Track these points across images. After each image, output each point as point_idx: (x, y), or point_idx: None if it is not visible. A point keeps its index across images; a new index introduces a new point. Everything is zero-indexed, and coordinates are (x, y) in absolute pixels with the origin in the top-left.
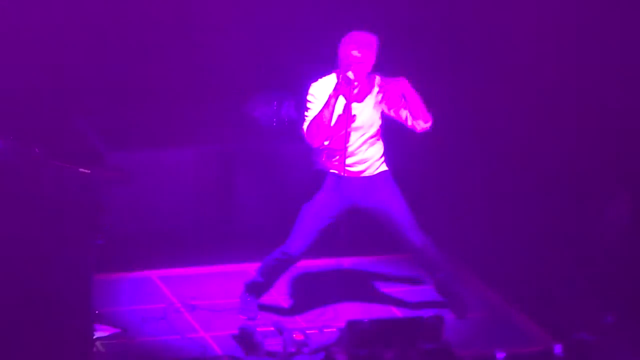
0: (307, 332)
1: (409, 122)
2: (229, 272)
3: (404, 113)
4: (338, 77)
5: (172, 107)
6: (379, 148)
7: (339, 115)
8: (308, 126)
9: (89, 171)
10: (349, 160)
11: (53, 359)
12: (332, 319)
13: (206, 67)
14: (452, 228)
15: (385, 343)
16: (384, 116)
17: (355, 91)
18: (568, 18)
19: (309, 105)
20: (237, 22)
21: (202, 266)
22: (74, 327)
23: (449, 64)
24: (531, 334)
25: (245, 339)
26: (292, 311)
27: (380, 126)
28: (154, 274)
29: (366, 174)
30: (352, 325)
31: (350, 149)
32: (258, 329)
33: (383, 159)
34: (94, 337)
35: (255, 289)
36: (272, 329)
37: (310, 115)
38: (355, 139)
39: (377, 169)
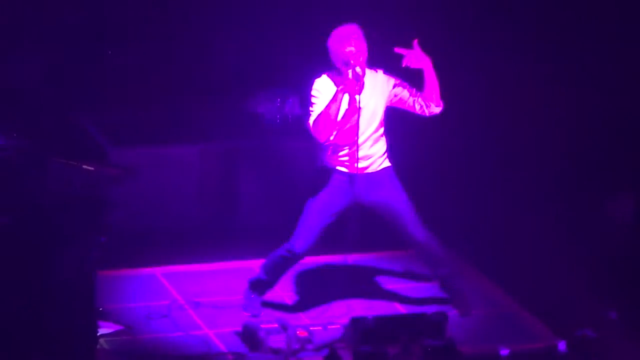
0: (311, 328)
1: (417, 108)
2: (233, 269)
3: (412, 99)
4: (337, 76)
5: (175, 104)
6: (382, 144)
7: (346, 109)
8: (314, 121)
9: (93, 168)
10: (353, 157)
11: (57, 355)
12: (336, 316)
13: (210, 64)
14: (455, 224)
15: (389, 340)
16: (388, 110)
17: (361, 84)
18: (568, 17)
19: (313, 100)
20: (241, 20)
21: (206, 263)
22: (78, 324)
23: (451, 61)
24: (535, 331)
25: (249, 335)
26: (296, 308)
27: (384, 122)
28: (158, 271)
29: (370, 170)
30: (356, 322)
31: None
32: (262, 326)
33: (386, 155)
34: (98, 334)
35: (259, 286)
36: (276, 325)
37: (315, 110)
38: (360, 135)
39: (380, 165)
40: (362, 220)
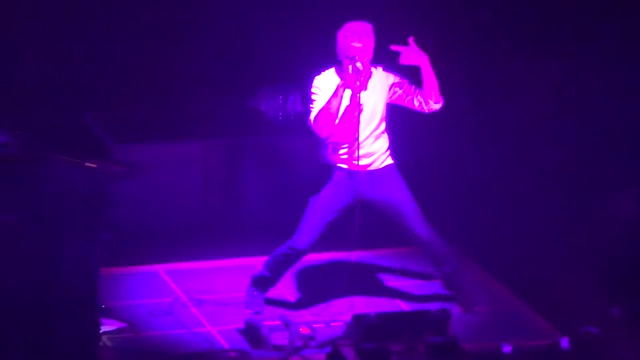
0: (314, 325)
1: (416, 104)
2: (236, 266)
3: (411, 95)
4: (339, 71)
5: (178, 101)
6: (384, 141)
7: (347, 106)
8: (315, 117)
9: (95, 165)
10: (355, 154)
11: (60, 353)
12: (338, 313)
13: (212, 61)
14: (458, 221)
15: (392, 337)
16: (389, 107)
17: (362, 80)
18: (568, 16)
19: (314, 97)
20: (243, 17)
21: (209, 260)
22: (81, 321)
23: (452, 58)
24: (538, 328)
25: (252, 333)
26: (299, 305)
27: (386, 118)
28: (161, 268)
29: (372, 167)
30: (359, 318)
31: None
32: (264, 323)
33: (389, 152)
34: (101, 331)
35: (262, 283)
36: (278, 322)
37: (316, 106)
38: (362, 132)
39: (383, 162)
40: (364, 217)
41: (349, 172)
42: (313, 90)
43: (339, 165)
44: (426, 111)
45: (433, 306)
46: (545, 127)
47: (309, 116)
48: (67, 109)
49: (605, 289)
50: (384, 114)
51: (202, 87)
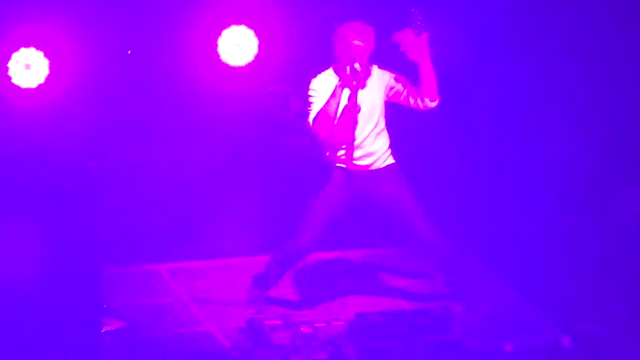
0: (315, 325)
1: (412, 101)
2: (237, 266)
3: (407, 93)
4: (337, 72)
5: (178, 101)
6: (385, 140)
7: (345, 106)
8: (314, 119)
9: (96, 165)
10: (355, 154)
11: (61, 352)
12: (340, 312)
13: (212, 60)
14: (460, 220)
15: (393, 336)
16: (387, 106)
17: (359, 80)
18: (569, 15)
19: (311, 99)
20: (244, 15)
21: (210, 259)
22: (82, 321)
23: (453, 57)
24: (539, 326)
25: (253, 332)
26: (300, 304)
27: (385, 116)
28: (162, 268)
29: (374, 167)
30: (361, 318)
31: (356, 142)
32: (266, 322)
33: (390, 151)
34: (102, 330)
35: (263, 282)
36: (280, 322)
37: (314, 108)
38: (361, 131)
39: (385, 161)
40: (366, 217)
41: (349, 172)
42: (310, 92)
43: (338, 165)
44: (422, 109)
45: (434, 305)
46: (549, 124)
47: (308, 118)
48: (68, 108)
49: (607, 286)
50: (383, 113)
51: (202, 86)
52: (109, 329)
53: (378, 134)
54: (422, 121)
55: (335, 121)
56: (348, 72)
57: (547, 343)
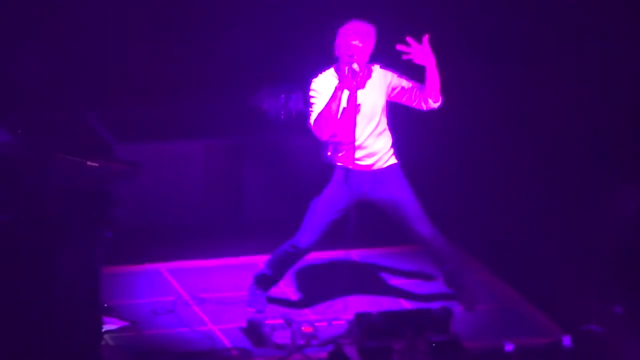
0: (316, 324)
1: (414, 102)
2: (238, 265)
3: (410, 93)
4: (337, 71)
5: (180, 100)
6: (387, 140)
7: (345, 107)
8: (315, 120)
9: (97, 164)
10: (357, 154)
11: (62, 352)
12: (340, 311)
13: (214, 60)
14: (460, 220)
15: (394, 335)
16: (390, 106)
17: (359, 81)
18: (572, 13)
19: (312, 100)
20: (245, 15)
21: (211, 259)
22: (83, 320)
23: (455, 56)
24: (540, 326)
25: (254, 331)
26: (301, 304)
27: (387, 116)
28: (163, 267)
29: (376, 167)
30: (361, 317)
31: (358, 142)
32: (266, 322)
33: (392, 151)
34: (103, 330)
35: (264, 281)
36: (280, 321)
37: (315, 110)
38: (362, 132)
39: (387, 162)
40: (367, 216)
41: (351, 172)
42: (311, 93)
43: (340, 165)
44: (424, 109)
45: (435, 304)
46: (548, 123)
47: (309, 119)
48: (69, 107)
49: (607, 286)
50: (385, 113)
51: (203, 86)
52: (109, 329)
53: (380, 134)
54: (421, 121)
55: (337, 122)
56: (347, 72)
57: (547, 343)
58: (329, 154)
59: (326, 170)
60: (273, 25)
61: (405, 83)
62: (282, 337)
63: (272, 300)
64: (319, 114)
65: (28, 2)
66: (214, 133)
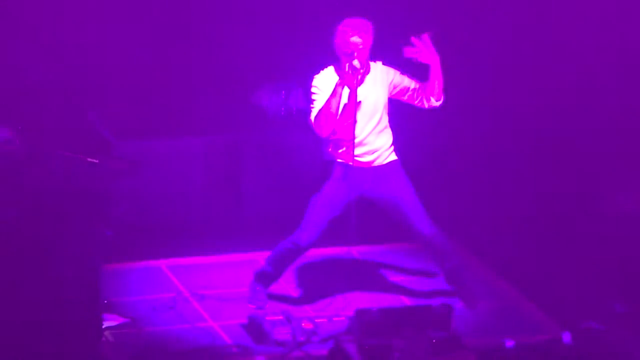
0: (316, 321)
1: (417, 100)
2: (238, 262)
3: (412, 91)
4: (338, 68)
5: (180, 98)
6: (388, 137)
7: (346, 104)
8: (316, 117)
9: (97, 161)
10: (358, 151)
11: (63, 348)
12: (341, 308)
13: (214, 57)
14: (461, 218)
15: (394, 332)
16: (390, 102)
17: (359, 77)
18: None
19: (314, 97)
20: (245, 12)
21: (211, 255)
22: (83, 317)
23: (454, 54)
24: (540, 323)
25: (254, 328)
26: (301, 300)
27: (388, 113)
28: (163, 264)
29: (376, 163)
30: (361, 314)
31: (358, 139)
32: (267, 318)
33: (392, 148)
34: (103, 326)
35: (265, 278)
36: (281, 318)
37: (316, 107)
38: (363, 129)
39: (387, 158)
40: (367, 213)
41: (351, 169)
42: (313, 90)
43: (341, 161)
44: (426, 107)
45: (435, 301)
46: (549, 121)
47: (310, 116)
48: (69, 105)
49: (607, 284)
50: (386, 110)
51: (203, 83)
52: (109, 325)
53: (381, 131)
54: (423, 118)
55: (337, 119)
56: (347, 69)
57: (547, 340)
58: (329, 150)
59: (326, 166)
60: (273, 22)
61: (407, 81)
62: (282, 333)
63: (273, 297)
64: (320, 111)
65: (29, 0)
66: (214, 130)
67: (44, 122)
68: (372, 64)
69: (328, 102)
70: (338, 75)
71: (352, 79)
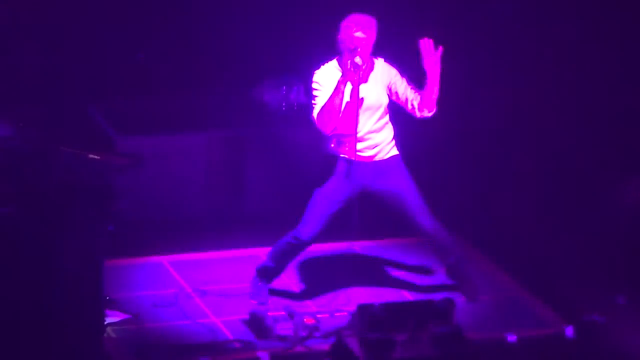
0: (318, 316)
1: (409, 106)
2: (240, 257)
3: (406, 97)
4: (340, 65)
5: (181, 93)
6: (389, 132)
7: (348, 101)
8: (318, 114)
9: (99, 157)
10: (359, 145)
11: (64, 344)
12: (343, 303)
13: (215, 53)
14: (462, 211)
15: (396, 326)
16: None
17: (361, 74)
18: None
19: (315, 93)
20: (246, 7)
21: (213, 251)
22: (85, 313)
23: (454, 53)
24: (542, 317)
25: (256, 323)
26: (303, 295)
27: (389, 108)
28: (165, 259)
29: (377, 158)
30: (363, 309)
31: (360, 134)
32: (269, 314)
33: (394, 142)
34: (105, 322)
35: (266, 273)
36: (283, 313)
37: (318, 102)
38: (364, 124)
39: (388, 153)
40: (368, 208)
41: (353, 163)
42: (314, 85)
43: (342, 156)
44: (417, 116)
45: (437, 296)
46: (550, 115)
47: (312, 113)
48: (71, 101)
49: (610, 277)
50: (387, 105)
51: (205, 78)
52: (111, 321)
53: (382, 126)
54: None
55: (339, 115)
56: (349, 66)
57: (550, 334)
58: (332, 145)
59: (328, 162)
60: (274, 17)
61: (404, 85)
62: (284, 329)
63: (275, 292)
64: (322, 108)
65: None
66: (215, 126)
67: (44, 118)
68: (374, 60)
69: (331, 99)
70: (341, 71)
71: (354, 75)
